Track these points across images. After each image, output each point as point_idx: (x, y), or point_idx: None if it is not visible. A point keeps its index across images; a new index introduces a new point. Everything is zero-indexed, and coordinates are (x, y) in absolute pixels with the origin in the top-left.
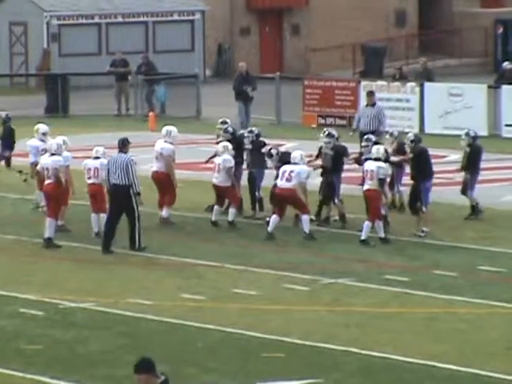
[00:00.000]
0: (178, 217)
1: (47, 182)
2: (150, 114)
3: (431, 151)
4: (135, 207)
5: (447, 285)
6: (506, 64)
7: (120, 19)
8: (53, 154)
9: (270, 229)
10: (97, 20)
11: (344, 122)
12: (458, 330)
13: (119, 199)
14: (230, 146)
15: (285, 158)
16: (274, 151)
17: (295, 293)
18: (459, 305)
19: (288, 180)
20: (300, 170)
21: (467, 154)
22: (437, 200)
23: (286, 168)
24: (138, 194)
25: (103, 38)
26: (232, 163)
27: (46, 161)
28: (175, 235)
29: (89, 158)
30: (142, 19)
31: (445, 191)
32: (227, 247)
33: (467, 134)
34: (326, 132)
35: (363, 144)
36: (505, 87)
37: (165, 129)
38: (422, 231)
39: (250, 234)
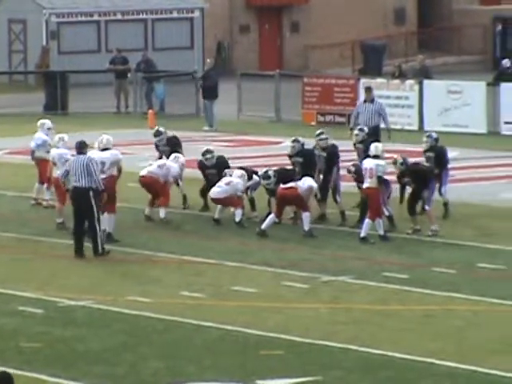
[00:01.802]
0: (176, 214)
1: (101, 177)
2: (150, 111)
3: None
4: (95, 210)
5: (446, 282)
6: (505, 62)
7: (119, 17)
8: (105, 149)
9: (264, 226)
10: (96, 17)
11: (343, 120)
12: (456, 327)
13: (80, 202)
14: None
15: (282, 177)
16: (271, 173)
17: (294, 290)
18: (458, 302)
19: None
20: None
21: (432, 158)
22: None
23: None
24: (103, 190)
25: (102, 36)
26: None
27: (101, 155)
28: (173, 233)
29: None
30: (141, 17)
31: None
32: (226, 245)
33: (430, 136)
34: (318, 132)
35: (355, 133)
36: (503, 85)
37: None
38: (431, 230)
39: (249, 231)
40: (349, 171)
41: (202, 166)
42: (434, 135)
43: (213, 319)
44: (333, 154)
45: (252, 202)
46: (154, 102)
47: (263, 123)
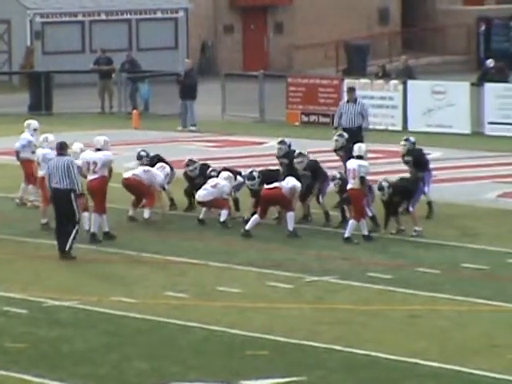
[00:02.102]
0: (160, 215)
1: (92, 177)
2: (134, 111)
3: None
4: (76, 211)
5: (430, 282)
6: (489, 62)
7: (103, 17)
8: (98, 150)
9: (248, 226)
10: (80, 18)
11: (327, 120)
12: (440, 327)
13: (60, 203)
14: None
15: (267, 178)
16: (255, 173)
17: (278, 290)
18: (442, 302)
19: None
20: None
21: (411, 162)
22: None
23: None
24: (82, 194)
25: (87, 36)
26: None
27: (93, 155)
28: (157, 233)
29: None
30: (125, 17)
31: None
32: (210, 245)
33: (407, 140)
34: (297, 152)
35: (335, 138)
36: (487, 85)
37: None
38: (415, 231)
39: (234, 231)
40: (333, 178)
41: (188, 178)
42: (412, 139)
43: (197, 319)
44: (316, 170)
45: (236, 202)
46: (138, 102)
47: (247, 123)
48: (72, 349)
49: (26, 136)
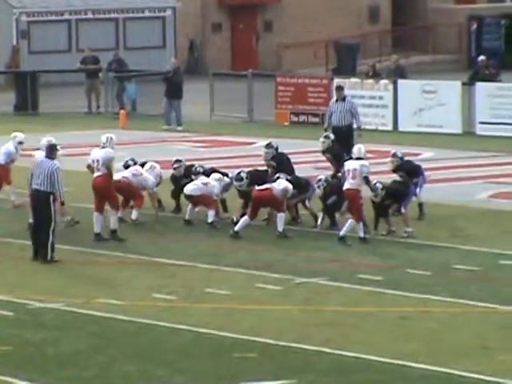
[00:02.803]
0: (148, 216)
1: (96, 174)
2: (121, 111)
3: (405, 149)
4: (52, 217)
5: (421, 284)
6: (481, 59)
7: (90, 16)
8: (103, 147)
9: (237, 228)
10: (67, 16)
11: (317, 120)
12: (431, 329)
13: (38, 205)
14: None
15: (255, 179)
16: (243, 174)
17: (267, 292)
18: (433, 304)
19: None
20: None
21: (404, 176)
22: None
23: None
24: (62, 203)
25: (73, 35)
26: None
27: (97, 153)
28: (145, 234)
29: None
30: (112, 16)
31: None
32: (199, 246)
33: (395, 156)
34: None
35: (321, 140)
36: (479, 84)
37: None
38: (406, 232)
39: (222, 233)
40: (319, 180)
41: (174, 180)
42: (399, 154)
43: (185, 322)
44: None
45: (224, 203)
46: (125, 102)
47: (236, 123)
48: (58, 351)
49: (9, 147)
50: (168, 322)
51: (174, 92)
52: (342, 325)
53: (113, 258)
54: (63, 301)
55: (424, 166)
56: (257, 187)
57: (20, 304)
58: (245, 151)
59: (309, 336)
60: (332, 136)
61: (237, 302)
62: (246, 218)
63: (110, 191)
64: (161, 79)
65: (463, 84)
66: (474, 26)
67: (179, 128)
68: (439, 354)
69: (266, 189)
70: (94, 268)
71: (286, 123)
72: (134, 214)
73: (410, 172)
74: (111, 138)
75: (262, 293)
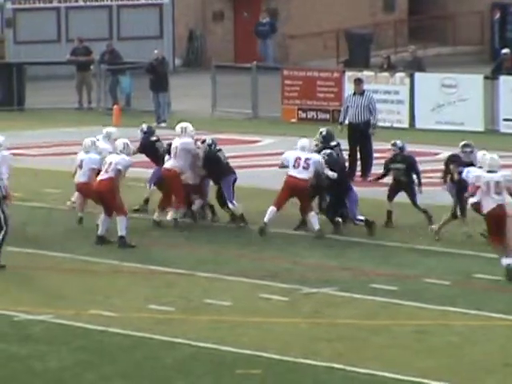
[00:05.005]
0: (142, 220)
1: (101, 177)
2: (115, 107)
3: (422, 148)
4: (2, 219)
5: (439, 294)
6: (504, 51)
7: (81, 3)
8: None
9: (266, 219)
10: (55, 4)
11: (327, 116)
12: (451, 343)
13: None
14: None
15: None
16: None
17: (273, 303)
18: (453, 316)
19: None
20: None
21: (404, 170)
22: (426, 201)
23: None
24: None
25: (63, 24)
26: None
27: (113, 158)
28: (140, 241)
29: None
30: (105, 3)
31: (435, 191)
32: (198, 253)
33: (395, 145)
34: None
35: (316, 138)
36: (502, 78)
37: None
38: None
39: (223, 238)
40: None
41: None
42: (400, 143)
43: (184, 335)
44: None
45: (211, 207)
46: (119, 97)
47: (239, 120)
48: (45, 367)
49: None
50: (165, 335)
51: (160, 84)
52: (354, 339)
53: (107, 266)
54: (52, 312)
55: (443, 166)
56: (290, 172)
57: (3, 316)
58: (249, 150)
59: (318, 351)
60: (325, 132)
61: (239, 314)
62: (272, 207)
63: (114, 195)
64: (144, 70)
65: (485, 78)
66: (498, 15)
67: (163, 125)
68: (459, 371)
69: (302, 179)
70: (85, 277)
71: (294, 120)
72: (171, 215)
73: (409, 167)
74: (127, 144)
75: (267, 304)
